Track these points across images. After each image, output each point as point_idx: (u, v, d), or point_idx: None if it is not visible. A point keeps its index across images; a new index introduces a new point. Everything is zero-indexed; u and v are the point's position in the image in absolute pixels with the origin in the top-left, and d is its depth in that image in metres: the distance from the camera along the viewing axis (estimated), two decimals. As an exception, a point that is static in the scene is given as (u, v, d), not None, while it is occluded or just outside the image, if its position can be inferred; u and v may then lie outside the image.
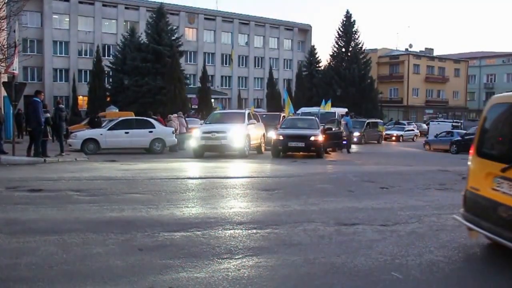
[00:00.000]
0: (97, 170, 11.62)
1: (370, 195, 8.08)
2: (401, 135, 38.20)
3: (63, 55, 49.39)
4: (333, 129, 19.83)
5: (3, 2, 15.66)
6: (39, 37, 47.31)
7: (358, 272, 4.01)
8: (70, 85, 47.52)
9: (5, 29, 15.94)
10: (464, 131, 26.18)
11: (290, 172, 11.78)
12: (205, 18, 57.58)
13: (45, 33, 47.73)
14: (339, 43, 51.94)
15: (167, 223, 5.62)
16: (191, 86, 49.59)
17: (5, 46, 16.06)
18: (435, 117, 56.31)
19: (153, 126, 18.83)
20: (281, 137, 16.61)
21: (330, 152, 18.93)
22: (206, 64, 51.58)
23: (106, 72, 43.64)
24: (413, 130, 41.35)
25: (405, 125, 43.59)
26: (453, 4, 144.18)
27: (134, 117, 22.13)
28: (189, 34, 56.36)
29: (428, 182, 9.89)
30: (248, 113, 18.39)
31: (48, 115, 15.33)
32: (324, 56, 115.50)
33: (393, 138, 37.27)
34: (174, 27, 44.93)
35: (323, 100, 31.57)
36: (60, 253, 4.40)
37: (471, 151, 4.77)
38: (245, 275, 3.88)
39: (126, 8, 52.39)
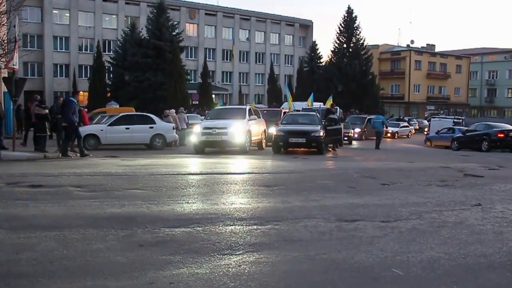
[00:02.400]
0: (98, 166, 11.61)
1: (371, 191, 8.06)
2: (396, 132, 38.03)
3: (64, 50, 49.35)
4: (333, 126, 19.80)
5: (3, -3, 15.62)
6: (40, 32, 47.27)
7: (359, 268, 4.00)
8: (70, 81, 47.56)
9: (5, 24, 15.89)
10: (466, 128, 26.10)
11: (291, 168, 11.77)
12: (206, 14, 57.47)
13: (45, 28, 47.67)
14: (340, 39, 51.88)
15: (168, 219, 5.61)
16: (192, 81, 49.59)
17: (5, 41, 16.01)
18: (437, 114, 56.28)
19: (153, 122, 18.83)
20: (282, 133, 16.60)
21: (330, 150, 18.86)
22: (207, 59, 51.58)
23: (106, 67, 43.65)
24: (408, 126, 41.21)
25: (406, 121, 43.50)
26: (455, 0, 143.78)
27: (135, 113, 22.14)
28: (190, 29, 56.28)
29: (429, 178, 9.86)
30: (249, 109, 18.38)
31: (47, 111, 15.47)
32: (325, 52, 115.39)
33: (388, 134, 37.00)
34: (175, 23, 44.92)
35: (312, 94, 31.69)
36: (60, 249, 4.39)
37: None
38: (246, 271, 3.88)
39: (126, 3, 52.31)
